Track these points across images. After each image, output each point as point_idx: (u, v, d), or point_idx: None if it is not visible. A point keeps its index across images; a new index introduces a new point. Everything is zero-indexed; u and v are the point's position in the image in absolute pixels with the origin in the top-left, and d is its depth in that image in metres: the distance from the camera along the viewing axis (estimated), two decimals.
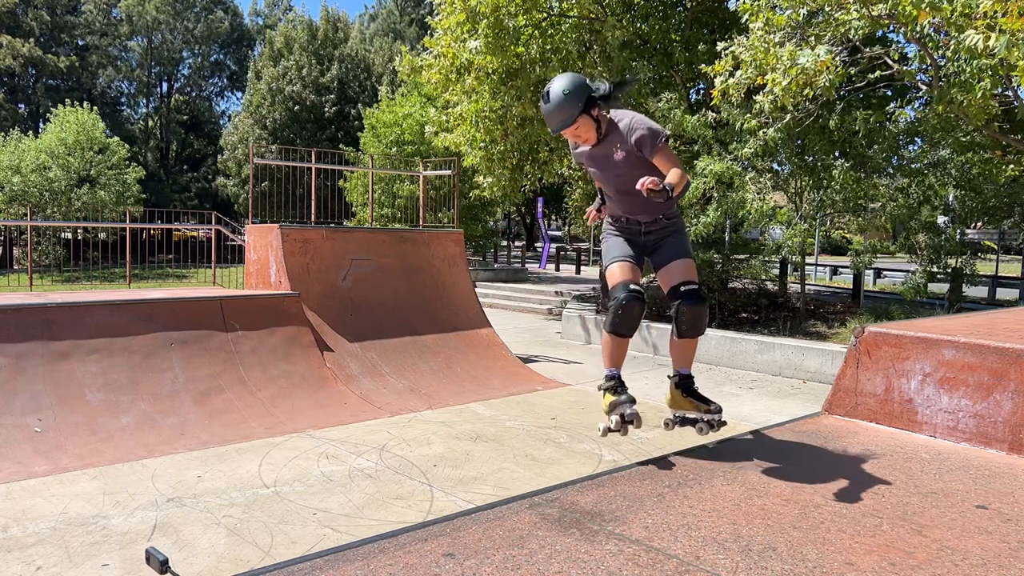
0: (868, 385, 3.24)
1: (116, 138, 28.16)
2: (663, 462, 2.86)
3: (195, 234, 24.01)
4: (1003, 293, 15.51)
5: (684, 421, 3.35)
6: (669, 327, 10.53)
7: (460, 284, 9.29)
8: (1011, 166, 10.58)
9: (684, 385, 3.43)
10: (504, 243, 27.31)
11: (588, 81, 3.10)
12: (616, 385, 3.34)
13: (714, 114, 9.84)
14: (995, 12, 5.54)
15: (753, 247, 11.39)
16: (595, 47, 11.78)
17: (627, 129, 3.12)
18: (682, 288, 3.26)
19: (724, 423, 3.27)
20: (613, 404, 3.25)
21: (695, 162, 9.99)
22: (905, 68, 7.87)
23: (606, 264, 3.38)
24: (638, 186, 2.83)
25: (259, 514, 4.24)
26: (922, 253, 9.61)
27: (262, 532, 3.99)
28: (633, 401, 3.29)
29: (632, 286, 3.30)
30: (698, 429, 3.31)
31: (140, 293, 8.17)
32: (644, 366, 9.68)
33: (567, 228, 47.39)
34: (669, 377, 3.56)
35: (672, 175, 2.98)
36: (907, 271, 10.08)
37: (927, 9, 6.23)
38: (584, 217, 3.36)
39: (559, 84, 3.04)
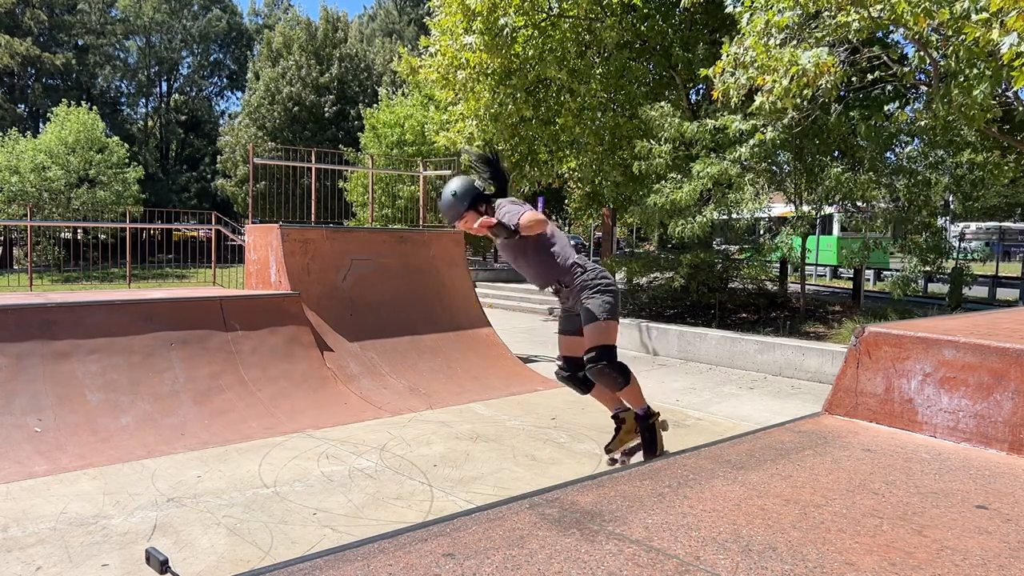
0: (868, 385, 3.24)
1: (115, 137, 28.16)
2: (663, 462, 2.86)
3: (195, 234, 23.99)
4: (1003, 293, 15.51)
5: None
6: (668, 327, 10.52)
7: (460, 284, 9.29)
8: (1010, 167, 10.58)
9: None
10: None
11: (475, 183, 3.69)
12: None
13: (712, 121, 9.84)
14: (1001, 9, 5.52)
15: (749, 248, 11.44)
16: (593, 47, 11.78)
17: (505, 218, 3.64)
18: (585, 357, 3.74)
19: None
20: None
21: (692, 164, 9.99)
22: (904, 69, 7.87)
23: None
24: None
25: (259, 514, 4.24)
26: (921, 254, 9.60)
27: (262, 532, 3.99)
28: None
29: (558, 361, 4.05)
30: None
31: (140, 293, 8.17)
32: (644, 366, 9.68)
33: (567, 228, 47.44)
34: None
35: (524, 219, 3.52)
36: (900, 271, 10.06)
37: (923, 15, 6.25)
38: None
39: (450, 187, 3.62)
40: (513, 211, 3.67)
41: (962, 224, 24.77)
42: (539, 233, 3.72)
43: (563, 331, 3.99)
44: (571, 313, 3.92)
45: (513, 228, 3.46)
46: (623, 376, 3.74)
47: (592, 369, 3.65)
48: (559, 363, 4.01)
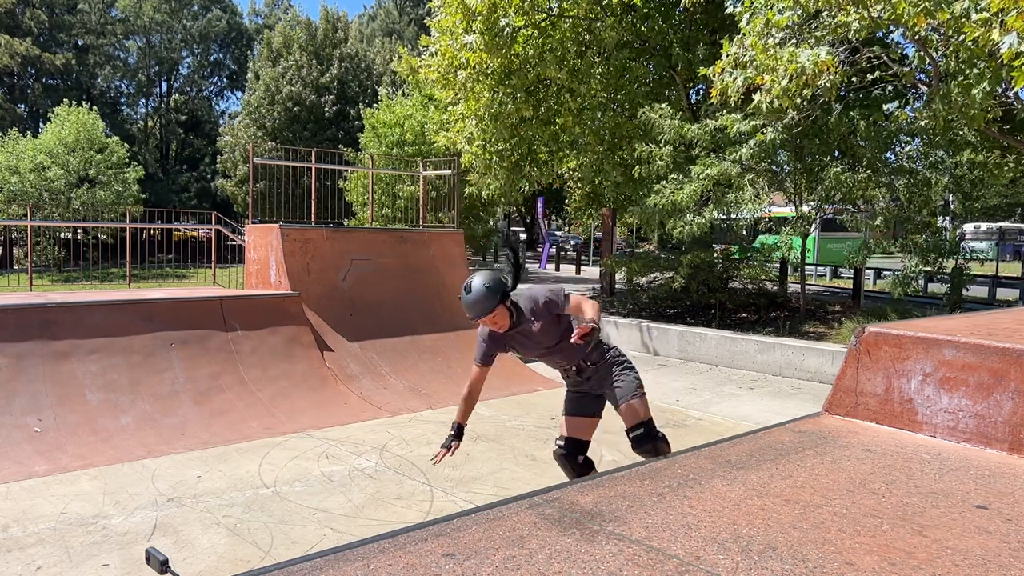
0: (868, 385, 3.23)
1: (115, 137, 28.16)
2: (663, 462, 2.86)
3: (195, 234, 23.98)
4: (1003, 293, 15.51)
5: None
6: (668, 327, 10.45)
7: (460, 284, 9.29)
8: (1010, 167, 10.58)
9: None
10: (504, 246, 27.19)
11: (501, 277, 3.65)
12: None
13: (713, 122, 9.85)
14: (1001, 9, 5.52)
15: (746, 251, 11.48)
16: (593, 47, 11.78)
17: (533, 302, 3.65)
18: (631, 434, 3.68)
19: None
20: None
21: (691, 167, 10.00)
22: (904, 69, 7.87)
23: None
24: (573, 339, 3.37)
25: (259, 514, 4.24)
26: (922, 254, 9.60)
27: (262, 532, 3.99)
28: None
29: (558, 440, 3.90)
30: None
31: (140, 293, 8.17)
32: (644, 366, 9.68)
33: (567, 228, 47.44)
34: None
35: (587, 313, 3.51)
36: (900, 271, 10.06)
37: (923, 15, 6.24)
38: (432, 460, 3.83)
39: (479, 280, 3.56)
40: (539, 293, 3.68)
41: (973, 224, 24.86)
42: (569, 316, 3.75)
43: (573, 412, 3.91)
44: (588, 394, 3.87)
45: (597, 326, 3.50)
46: (668, 445, 3.78)
47: (655, 445, 3.66)
48: (559, 442, 3.90)
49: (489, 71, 11.39)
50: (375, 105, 24.53)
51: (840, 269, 19.32)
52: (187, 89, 47.02)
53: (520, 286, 3.85)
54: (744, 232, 11.34)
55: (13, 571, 3.49)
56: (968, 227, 24.60)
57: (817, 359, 8.68)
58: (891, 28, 8.32)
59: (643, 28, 11.69)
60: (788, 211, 11.91)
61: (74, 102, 27.09)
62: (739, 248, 11.54)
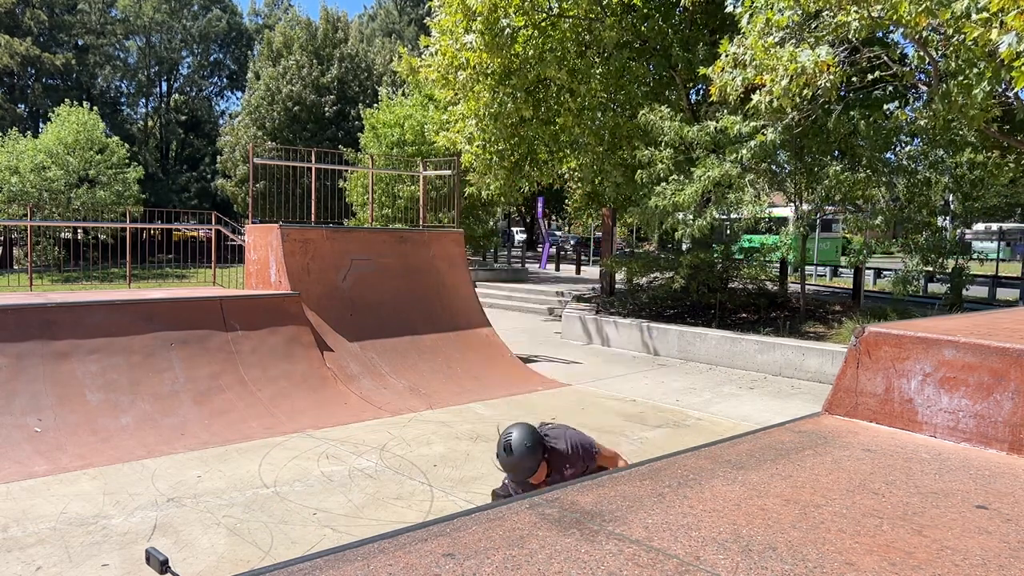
0: (868, 385, 3.23)
1: (115, 138, 28.18)
2: (663, 462, 2.86)
3: (195, 234, 23.99)
4: (1003, 293, 15.51)
5: None
6: (668, 327, 10.49)
7: (460, 284, 9.29)
8: (1010, 167, 10.58)
9: None
10: (503, 246, 27.17)
11: (539, 429, 3.34)
12: None
13: (713, 123, 9.85)
14: (1001, 9, 5.52)
15: (730, 250, 11.51)
16: (593, 47, 11.78)
17: (567, 453, 3.41)
18: None
19: None
20: None
21: (692, 169, 10.01)
22: (904, 69, 7.88)
23: None
24: None
25: (259, 514, 4.24)
26: (922, 253, 9.61)
27: (262, 532, 3.99)
28: None
29: (508, 480, 3.62)
30: None
31: (140, 293, 8.17)
32: (644, 366, 9.68)
33: (567, 228, 47.44)
34: None
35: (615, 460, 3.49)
36: (900, 270, 10.07)
37: (924, 14, 6.25)
38: None
39: (518, 439, 3.20)
40: (574, 440, 3.53)
41: (984, 224, 24.84)
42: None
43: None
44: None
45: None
46: None
47: None
48: (509, 482, 3.61)
49: (489, 71, 11.38)
50: (375, 105, 24.54)
51: (840, 269, 19.29)
52: (187, 89, 47.04)
53: (546, 428, 3.58)
54: (730, 232, 11.36)
55: (13, 571, 3.49)
56: (979, 227, 24.57)
57: (817, 359, 8.68)
58: (891, 28, 8.32)
59: (643, 28, 11.69)
60: (786, 211, 11.91)
61: (74, 102, 27.10)
62: (724, 247, 11.56)
